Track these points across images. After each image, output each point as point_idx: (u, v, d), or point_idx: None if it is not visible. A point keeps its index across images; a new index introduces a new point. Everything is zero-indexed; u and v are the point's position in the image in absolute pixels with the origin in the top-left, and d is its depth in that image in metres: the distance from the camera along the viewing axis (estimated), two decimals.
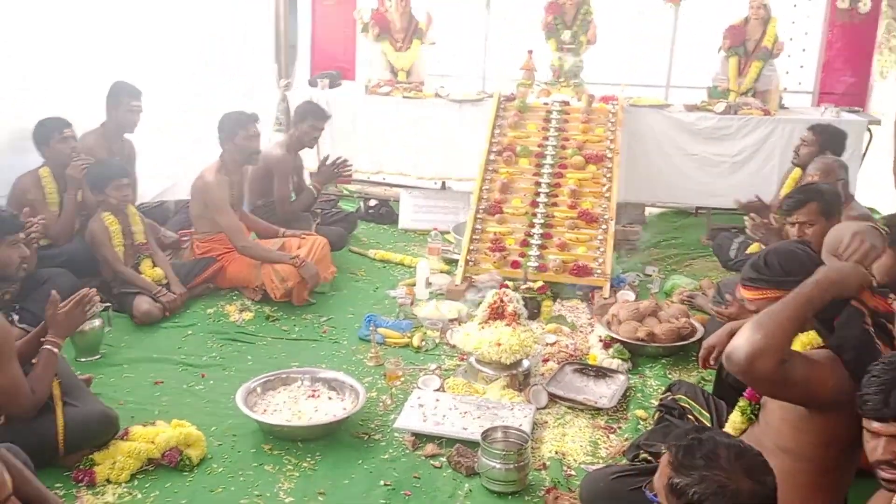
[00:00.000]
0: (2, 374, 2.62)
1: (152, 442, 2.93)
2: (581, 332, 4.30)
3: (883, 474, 1.75)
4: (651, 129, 5.91)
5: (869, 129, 5.97)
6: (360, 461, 3.04)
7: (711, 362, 3.05)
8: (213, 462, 3.00)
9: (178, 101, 5.59)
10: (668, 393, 3.03)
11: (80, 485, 2.79)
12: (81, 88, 4.85)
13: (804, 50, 6.82)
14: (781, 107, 6.28)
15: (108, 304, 3.92)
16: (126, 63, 5.05)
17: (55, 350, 2.89)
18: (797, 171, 4.89)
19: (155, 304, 4.23)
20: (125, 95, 4.79)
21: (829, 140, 4.70)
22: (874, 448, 1.76)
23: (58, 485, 2.77)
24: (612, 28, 6.92)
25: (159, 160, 5.53)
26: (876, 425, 1.75)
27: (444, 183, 6.65)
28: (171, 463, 2.91)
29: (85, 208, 4.49)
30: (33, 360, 2.95)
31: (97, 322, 3.77)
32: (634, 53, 7.27)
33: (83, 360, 3.73)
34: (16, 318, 3.70)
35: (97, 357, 3.79)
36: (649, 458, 2.70)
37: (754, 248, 4.73)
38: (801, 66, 6.86)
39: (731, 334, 3.13)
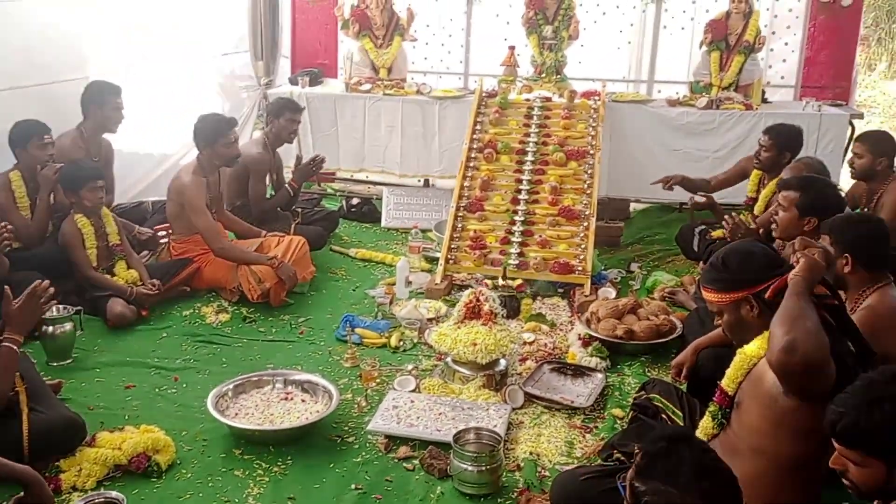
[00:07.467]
0: None
1: (119, 448, 2.88)
2: (561, 330, 4.26)
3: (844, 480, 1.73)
4: (633, 125, 5.88)
5: (851, 123, 5.93)
6: (331, 465, 3.00)
7: (682, 379, 3.06)
8: (181, 468, 2.95)
9: (155, 100, 5.52)
10: (643, 392, 3.00)
11: None
12: (55, 90, 4.79)
13: (786, 44, 6.77)
14: (764, 101, 6.26)
15: (80, 308, 3.86)
16: (100, 62, 4.99)
17: (14, 347, 2.82)
18: (759, 173, 4.83)
19: (128, 307, 4.17)
20: (110, 94, 4.71)
21: (784, 141, 4.62)
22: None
23: (22, 493, 2.70)
24: (594, 23, 6.89)
25: (136, 160, 5.47)
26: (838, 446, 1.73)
27: (427, 180, 6.62)
28: (138, 469, 2.87)
29: (58, 210, 4.43)
30: None
31: (68, 326, 3.73)
32: (616, 49, 7.20)
33: (55, 364, 3.68)
34: None
35: (69, 361, 3.74)
36: (623, 458, 2.67)
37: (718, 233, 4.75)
38: (784, 61, 6.81)
39: (697, 351, 3.14)
